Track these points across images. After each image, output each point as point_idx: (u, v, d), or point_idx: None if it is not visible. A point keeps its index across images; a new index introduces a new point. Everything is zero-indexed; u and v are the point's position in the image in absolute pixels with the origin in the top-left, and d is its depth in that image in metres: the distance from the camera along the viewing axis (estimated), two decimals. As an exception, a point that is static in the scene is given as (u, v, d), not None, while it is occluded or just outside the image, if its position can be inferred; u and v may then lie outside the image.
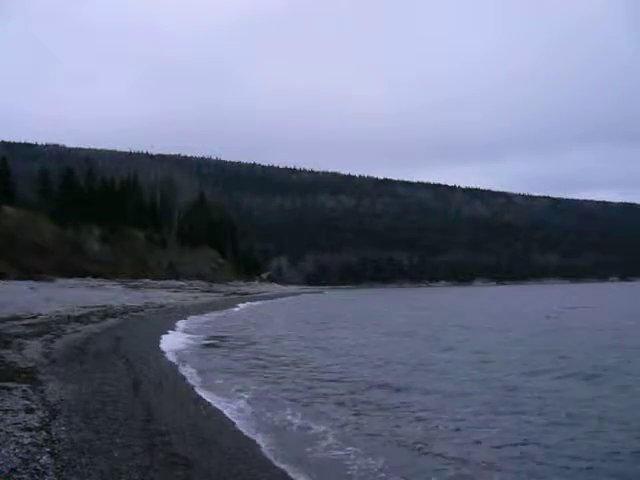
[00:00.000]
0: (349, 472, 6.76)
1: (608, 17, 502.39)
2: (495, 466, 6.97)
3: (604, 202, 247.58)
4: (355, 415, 9.46)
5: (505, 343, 19.68)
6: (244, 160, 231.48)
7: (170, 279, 74.22)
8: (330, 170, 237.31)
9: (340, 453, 7.42)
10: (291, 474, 6.58)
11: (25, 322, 19.34)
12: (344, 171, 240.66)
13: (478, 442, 7.88)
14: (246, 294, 75.84)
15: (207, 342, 20.21)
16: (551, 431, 8.36)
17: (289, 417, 9.25)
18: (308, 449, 7.58)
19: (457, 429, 8.50)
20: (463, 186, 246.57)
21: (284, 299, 72.97)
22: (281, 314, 40.77)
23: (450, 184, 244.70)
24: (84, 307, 28.80)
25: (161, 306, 38.70)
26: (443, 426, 8.67)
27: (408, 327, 27.06)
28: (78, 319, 22.77)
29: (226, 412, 9.43)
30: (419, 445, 7.75)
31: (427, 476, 6.66)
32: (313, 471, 6.76)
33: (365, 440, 8.02)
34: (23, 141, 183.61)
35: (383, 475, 6.67)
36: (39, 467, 5.60)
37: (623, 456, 7.28)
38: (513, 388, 11.48)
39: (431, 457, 7.33)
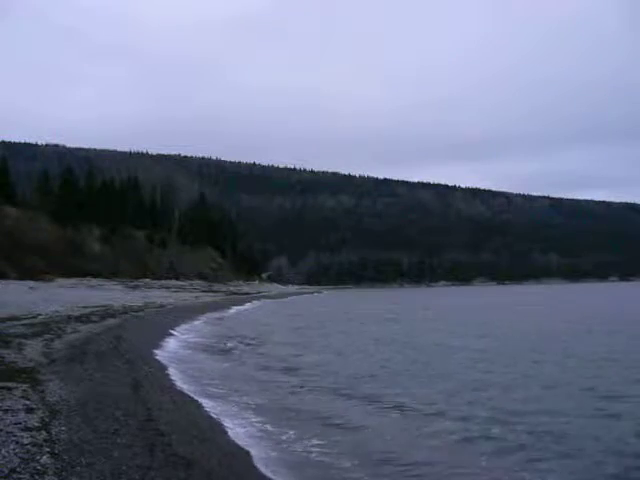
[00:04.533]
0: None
1: (605, 13, 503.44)
2: None
3: (604, 202, 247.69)
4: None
5: None
6: (244, 160, 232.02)
7: (170, 279, 74.18)
8: (330, 170, 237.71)
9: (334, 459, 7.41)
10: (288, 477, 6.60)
11: (25, 322, 19.32)
12: (344, 171, 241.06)
13: None
14: (246, 294, 75.84)
15: (208, 343, 20.19)
16: None
17: (285, 421, 9.26)
18: (304, 454, 7.58)
19: None
20: (463, 186, 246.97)
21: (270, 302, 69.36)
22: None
23: (450, 184, 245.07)
24: (84, 307, 28.78)
25: (161, 306, 38.67)
26: None
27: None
28: (78, 319, 22.75)
29: (226, 412, 9.44)
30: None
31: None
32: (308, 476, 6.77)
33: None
34: (23, 141, 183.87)
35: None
36: (39, 467, 5.59)
37: None
38: None
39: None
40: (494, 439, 8.03)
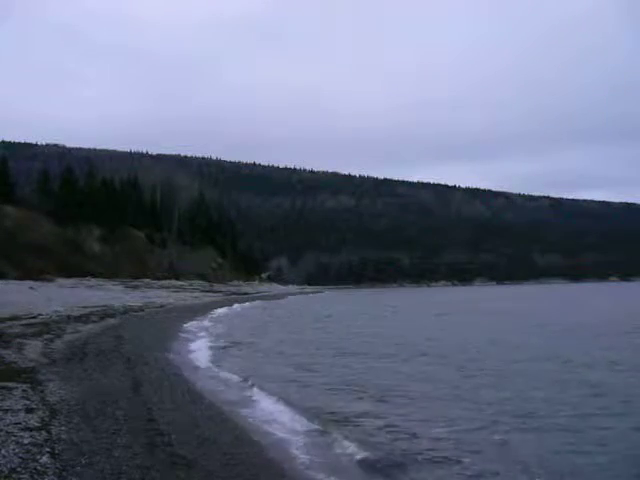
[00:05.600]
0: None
1: (604, 12, 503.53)
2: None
3: (604, 202, 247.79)
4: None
5: None
6: (244, 160, 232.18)
7: (170, 279, 74.15)
8: (330, 170, 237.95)
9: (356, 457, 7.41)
10: (292, 475, 6.59)
11: (25, 322, 19.33)
12: (344, 171, 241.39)
13: None
14: (245, 294, 75.85)
15: (207, 343, 20.18)
16: None
17: (292, 418, 9.24)
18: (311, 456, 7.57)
19: None
20: (463, 186, 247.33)
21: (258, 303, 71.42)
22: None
23: (450, 184, 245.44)
24: (84, 307, 28.80)
25: (161, 306, 38.69)
26: None
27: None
28: (78, 319, 22.76)
29: (226, 413, 9.42)
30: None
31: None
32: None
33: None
34: (23, 141, 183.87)
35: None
36: (39, 467, 5.59)
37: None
38: None
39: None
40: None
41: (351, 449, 7.44)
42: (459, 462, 7.00)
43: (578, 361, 14.89)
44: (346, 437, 7.93)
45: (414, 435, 8.14)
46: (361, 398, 10.64)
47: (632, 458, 7.31)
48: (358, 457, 7.16)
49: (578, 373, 13.12)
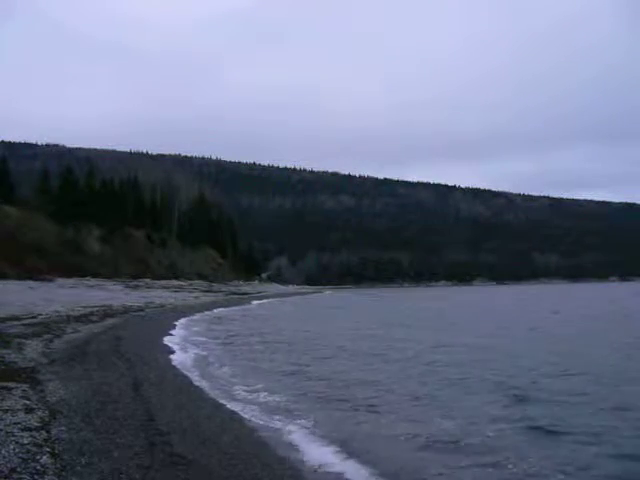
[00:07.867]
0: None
1: (603, 10, 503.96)
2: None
3: (604, 202, 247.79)
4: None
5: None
6: (244, 160, 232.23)
7: (170, 279, 74.14)
8: (330, 170, 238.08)
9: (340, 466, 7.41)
10: (292, 473, 6.59)
11: (25, 322, 19.32)
12: (344, 171, 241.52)
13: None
14: (246, 294, 75.84)
15: (207, 344, 20.19)
16: None
17: (284, 417, 9.25)
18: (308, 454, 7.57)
19: None
20: (463, 186, 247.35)
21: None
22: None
23: (450, 184, 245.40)
24: (84, 307, 28.79)
25: (161, 306, 38.69)
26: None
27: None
28: (78, 319, 22.75)
29: (226, 412, 9.43)
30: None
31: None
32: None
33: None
34: (23, 141, 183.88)
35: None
36: (39, 467, 5.59)
37: None
38: None
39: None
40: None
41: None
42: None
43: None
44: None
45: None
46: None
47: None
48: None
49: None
